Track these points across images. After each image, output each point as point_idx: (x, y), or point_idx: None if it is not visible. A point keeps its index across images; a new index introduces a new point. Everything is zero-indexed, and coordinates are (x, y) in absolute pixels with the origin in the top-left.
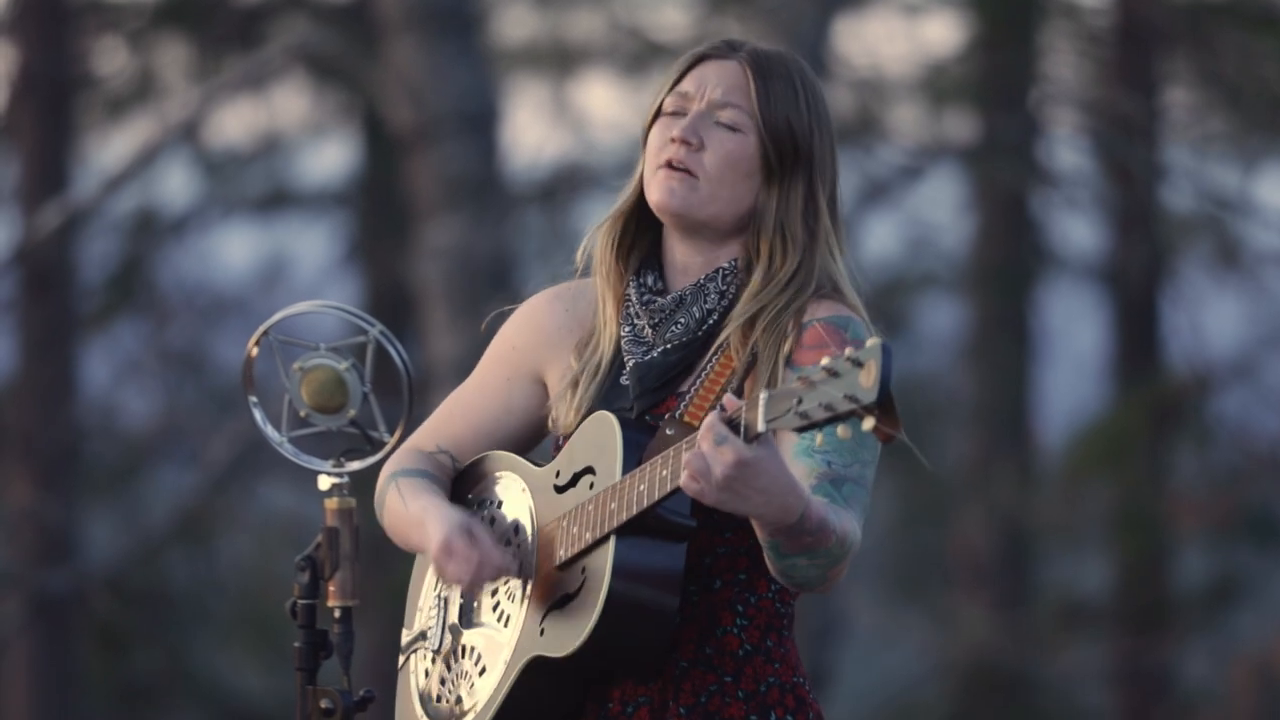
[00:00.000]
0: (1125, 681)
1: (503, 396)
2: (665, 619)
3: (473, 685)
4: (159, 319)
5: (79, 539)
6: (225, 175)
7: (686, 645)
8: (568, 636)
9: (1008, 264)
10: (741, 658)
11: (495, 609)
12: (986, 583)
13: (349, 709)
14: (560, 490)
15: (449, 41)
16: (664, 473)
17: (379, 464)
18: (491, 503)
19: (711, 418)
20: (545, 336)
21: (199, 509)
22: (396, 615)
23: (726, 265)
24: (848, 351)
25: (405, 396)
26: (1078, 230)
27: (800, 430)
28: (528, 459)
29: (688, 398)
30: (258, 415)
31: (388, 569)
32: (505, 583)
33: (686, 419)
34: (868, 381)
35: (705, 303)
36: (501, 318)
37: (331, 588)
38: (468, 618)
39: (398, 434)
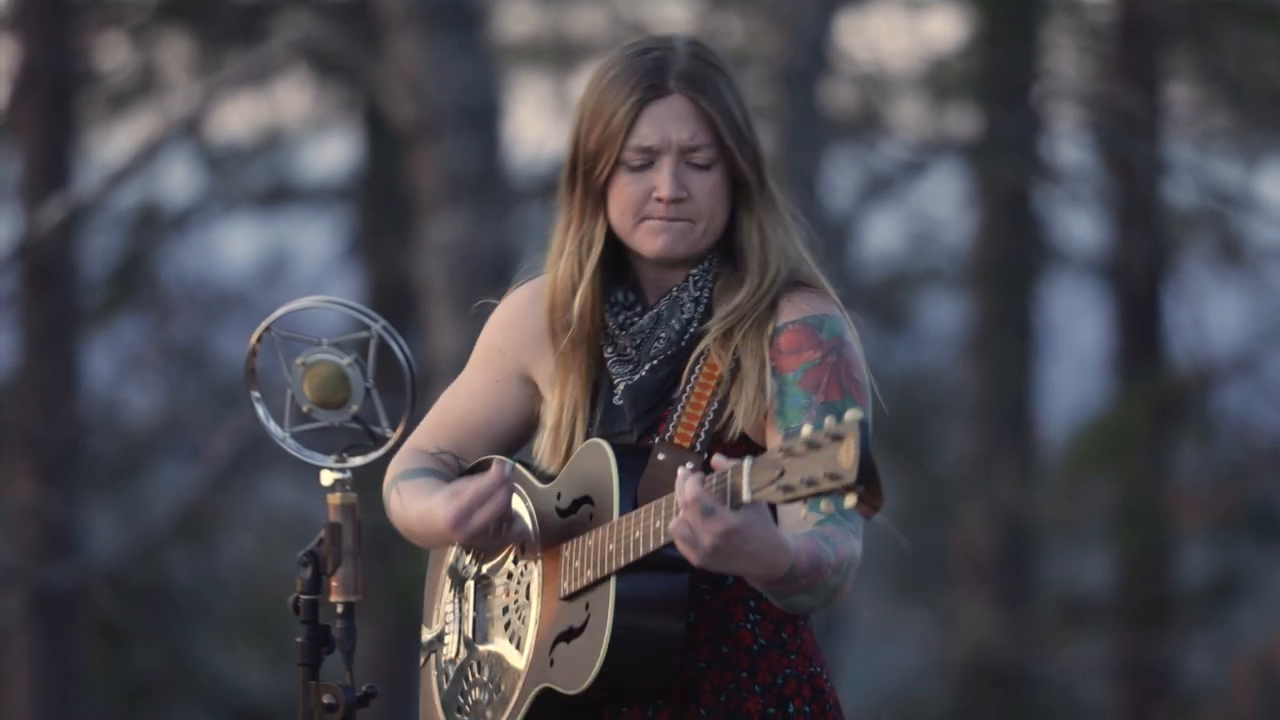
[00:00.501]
0: (1127, 677)
1: (494, 398)
2: (672, 646)
3: (489, 704)
4: (161, 314)
5: (81, 534)
6: (227, 170)
7: (703, 646)
8: (577, 674)
9: (1010, 259)
10: (757, 652)
11: (507, 628)
12: (988, 578)
13: (351, 704)
14: (562, 514)
15: (451, 36)
16: (657, 524)
17: (382, 459)
18: None
19: (696, 489)
20: (528, 336)
21: (201, 504)
22: (399, 611)
23: (696, 271)
24: (827, 423)
25: (408, 392)
26: (1080, 225)
27: (786, 502)
28: (529, 465)
29: (676, 415)
30: (260, 410)
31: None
32: (515, 601)
33: (677, 440)
34: (847, 460)
35: (682, 313)
36: (488, 309)
37: (334, 583)
38: (481, 633)
39: (400, 429)
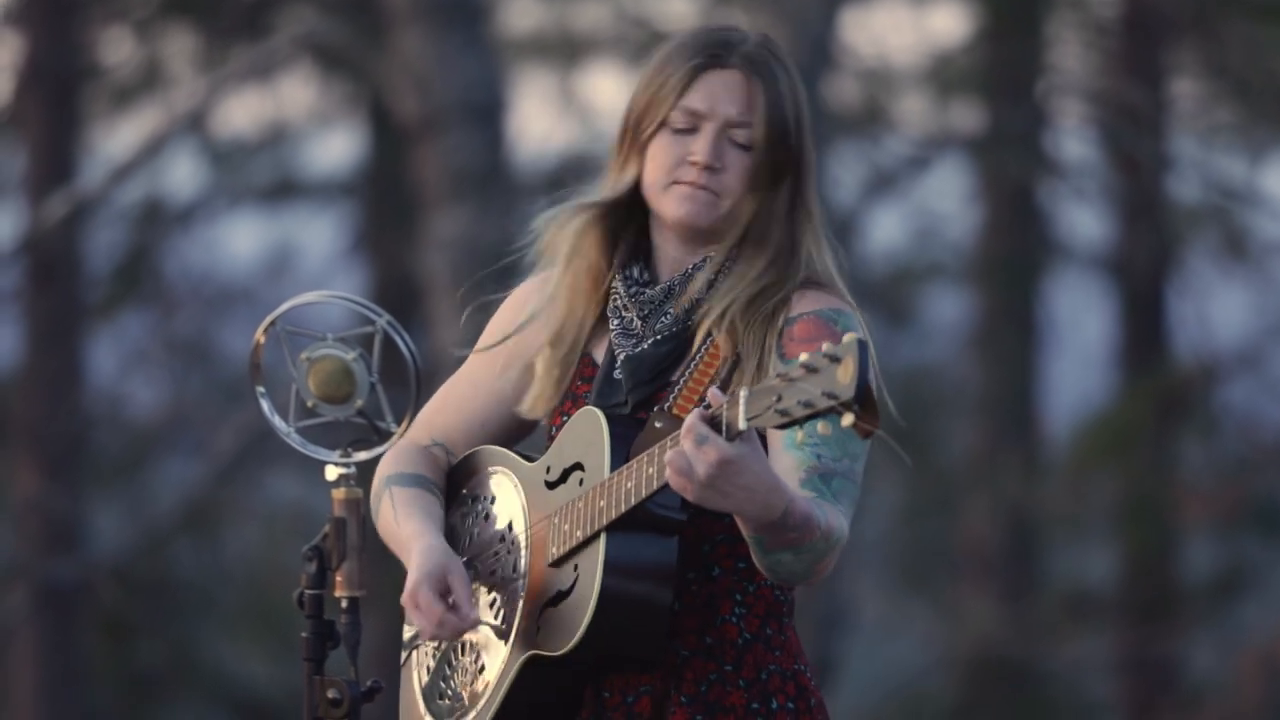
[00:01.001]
0: (1131, 672)
1: (495, 387)
2: (660, 613)
3: (473, 682)
4: (165, 309)
5: (85, 529)
6: (232, 165)
7: (687, 635)
8: (563, 635)
9: (1014, 254)
10: (741, 646)
11: (493, 605)
12: (992, 573)
13: (356, 699)
14: (551, 486)
15: (456, 32)
16: (650, 470)
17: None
18: (485, 499)
19: (693, 417)
20: (534, 326)
21: (205, 499)
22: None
23: (714, 253)
24: (825, 347)
25: (412, 387)
26: (1084, 221)
27: (781, 427)
28: (520, 453)
29: (677, 389)
30: (265, 405)
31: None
32: (502, 580)
33: (675, 411)
34: (845, 377)
35: (693, 293)
36: (487, 305)
37: (339, 578)
38: None
39: (404, 424)
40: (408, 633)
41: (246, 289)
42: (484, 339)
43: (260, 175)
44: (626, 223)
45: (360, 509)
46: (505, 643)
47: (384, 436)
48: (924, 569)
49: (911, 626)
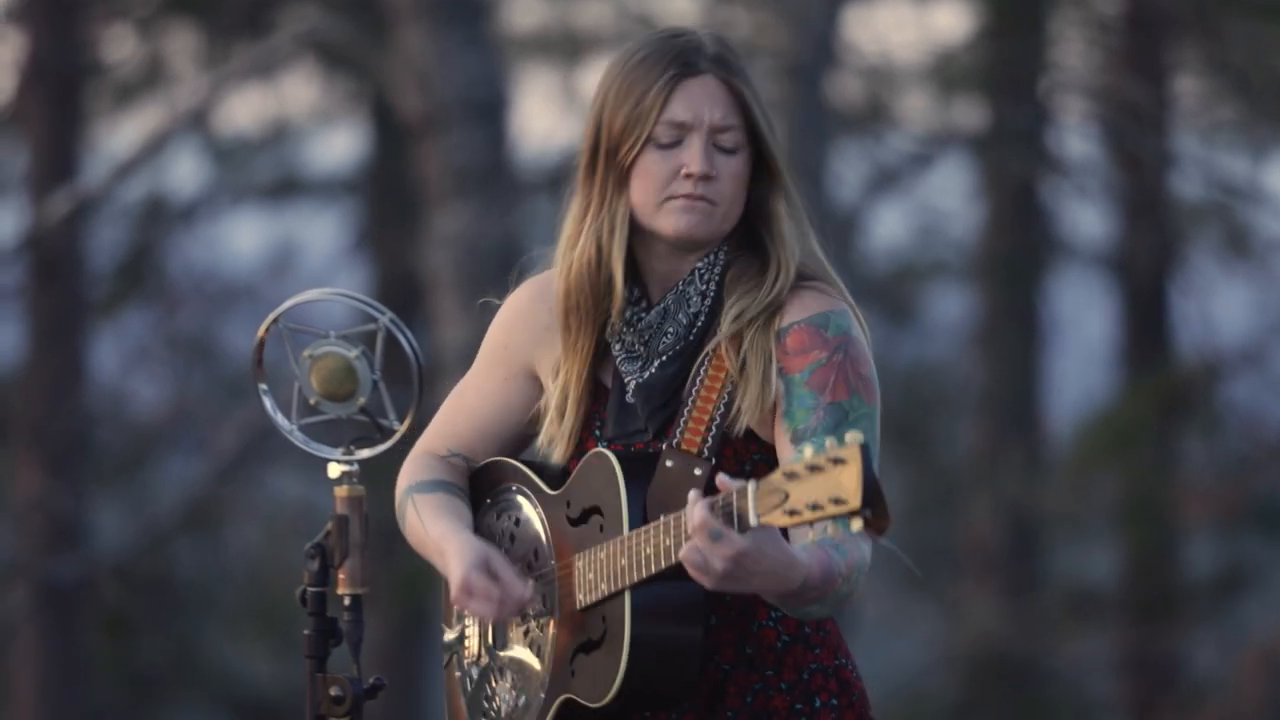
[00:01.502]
0: (1133, 671)
1: (501, 396)
2: (692, 652)
3: (512, 712)
4: (168, 307)
5: (87, 527)
6: (234, 163)
7: (726, 648)
8: (598, 687)
9: (1017, 252)
10: (781, 649)
11: (526, 635)
12: (994, 572)
13: (359, 697)
14: (573, 523)
15: (458, 29)
16: (667, 542)
17: (389, 452)
18: (510, 516)
19: (703, 514)
20: (533, 334)
21: (207, 497)
22: (407, 603)
23: (701, 264)
24: (828, 446)
25: (415, 384)
26: (1087, 218)
27: (793, 526)
28: (537, 469)
29: (684, 419)
30: (267, 403)
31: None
32: (534, 610)
33: (684, 445)
34: (851, 485)
35: (689, 307)
36: (491, 307)
37: (341, 575)
38: (501, 639)
39: (407, 422)
40: (448, 635)
41: (249, 287)
42: (484, 351)
43: (262, 173)
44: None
45: (363, 506)
46: (540, 677)
47: (387, 434)
48: (926, 567)
49: (914, 625)
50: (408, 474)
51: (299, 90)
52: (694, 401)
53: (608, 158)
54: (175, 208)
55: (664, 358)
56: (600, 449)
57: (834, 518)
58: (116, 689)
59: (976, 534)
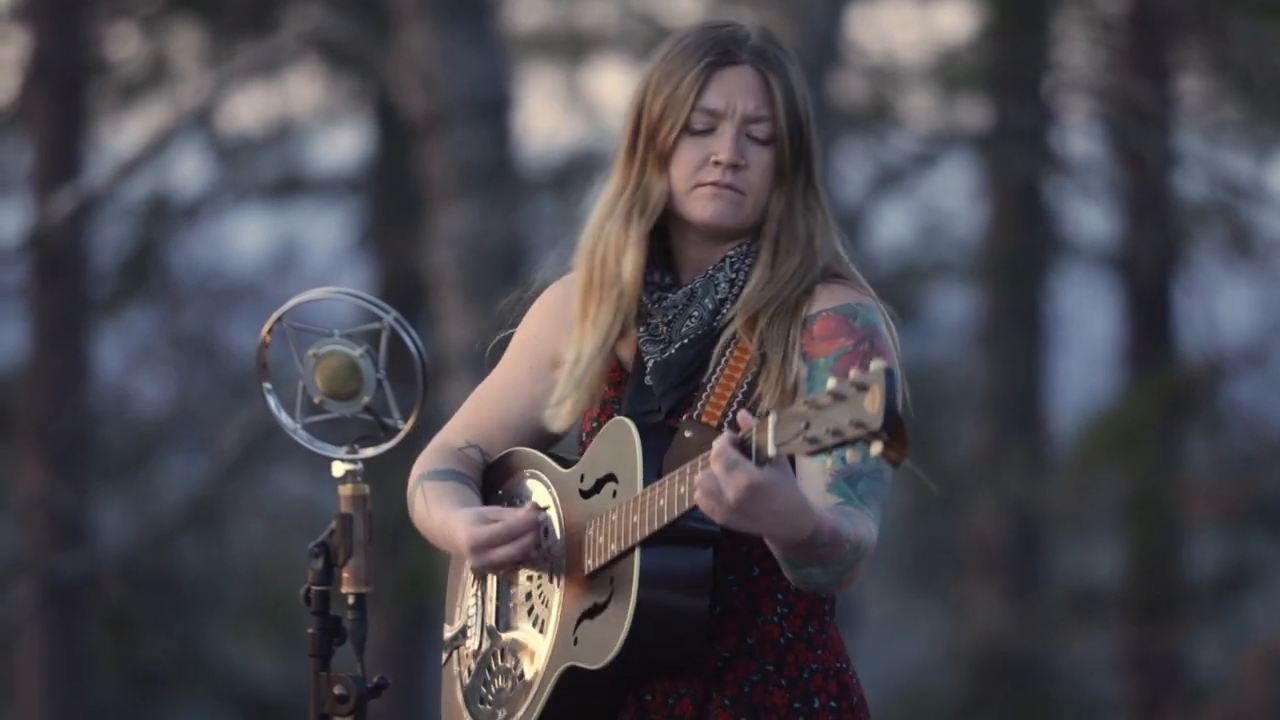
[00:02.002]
0: (1136, 670)
1: (527, 387)
2: (697, 622)
3: (513, 688)
4: (172, 305)
5: (91, 525)
6: (238, 161)
7: (728, 636)
8: (601, 648)
9: (1020, 251)
10: (783, 646)
11: (530, 613)
12: (997, 571)
13: (363, 695)
14: (585, 495)
15: (462, 28)
16: (682, 489)
17: (393, 451)
18: (520, 501)
19: (722, 441)
20: (564, 325)
21: (211, 495)
22: (410, 602)
23: (733, 253)
24: (853, 374)
25: (419, 383)
26: (1090, 217)
27: (810, 454)
28: (555, 455)
29: (705, 394)
30: (272, 401)
31: (401, 555)
32: (538, 586)
33: (704, 419)
34: (873, 407)
35: (716, 293)
36: (511, 312)
37: (345, 574)
38: (504, 620)
39: (411, 421)
40: (448, 632)
41: (253, 285)
42: (514, 343)
43: (266, 171)
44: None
45: (367, 505)
46: (543, 651)
47: (391, 433)
48: (930, 566)
49: (917, 624)
50: (422, 464)
51: (303, 89)
52: (716, 379)
53: (647, 141)
54: (179, 206)
55: (685, 340)
56: (619, 417)
57: (854, 441)
58: (120, 687)
59: (980, 533)
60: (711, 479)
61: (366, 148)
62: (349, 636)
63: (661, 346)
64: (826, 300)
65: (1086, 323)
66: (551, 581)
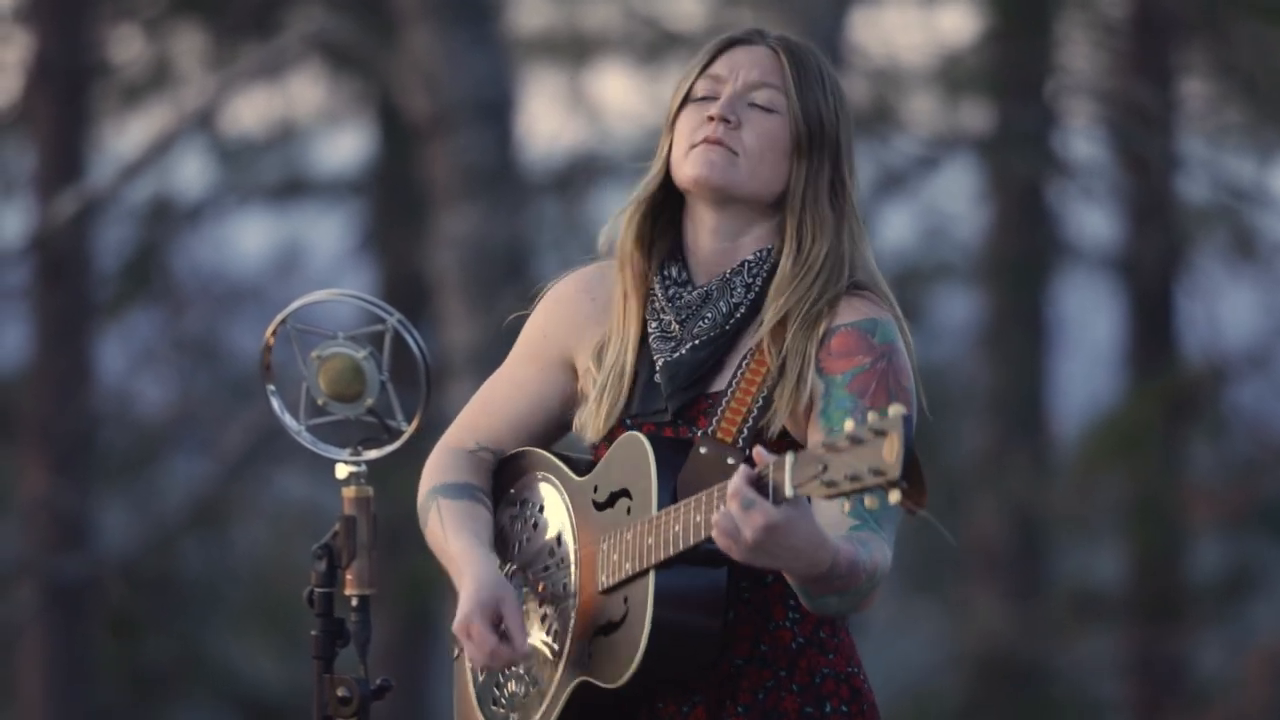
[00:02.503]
0: (1139, 672)
1: (536, 385)
2: (711, 641)
3: (525, 695)
4: (174, 307)
5: (94, 526)
6: (241, 163)
7: (741, 643)
8: (615, 667)
9: (1023, 254)
10: (795, 651)
11: (544, 620)
12: (1000, 573)
13: (366, 698)
14: (599, 507)
15: (465, 30)
16: (698, 518)
17: (397, 453)
18: (533, 505)
19: (739, 479)
20: (574, 324)
21: (214, 497)
22: (413, 604)
23: (751, 257)
24: (870, 419)
25: (423, 385)
26: (1093, 221)
27: (828, 498)
28: (564, 456)
29: (721, 409)
30: (275, 403)
31: (404, 557)
32: (552, 595)
33: (719, 434)
34: (890, 455)
35: (732, 296)
36: (522, 317)
37: (349, 576)
38: None
39: (415, 423)
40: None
41: (255, 287)
42: (522, 340)
43: (269, 173)
44: (669, 222)
45: (370, 507)
46: (557, 662)
47: (394, 435)
48: (932, 568)
49: (919, 626)
50: (434, 471)
51: (306, 91)
52: (733, 394)
53: (667, 124)
54: (182, 208)
55: (696, 341)
56: (633, 432)
57: (872, 489)
58: (122, 688)
59: (983, 535)
60: (729, 519)
61: (369, 150)
62: (352, 639)
63: (672, 344)
64: (847, 314)
65: (1089, 325)
66: (565, 592)
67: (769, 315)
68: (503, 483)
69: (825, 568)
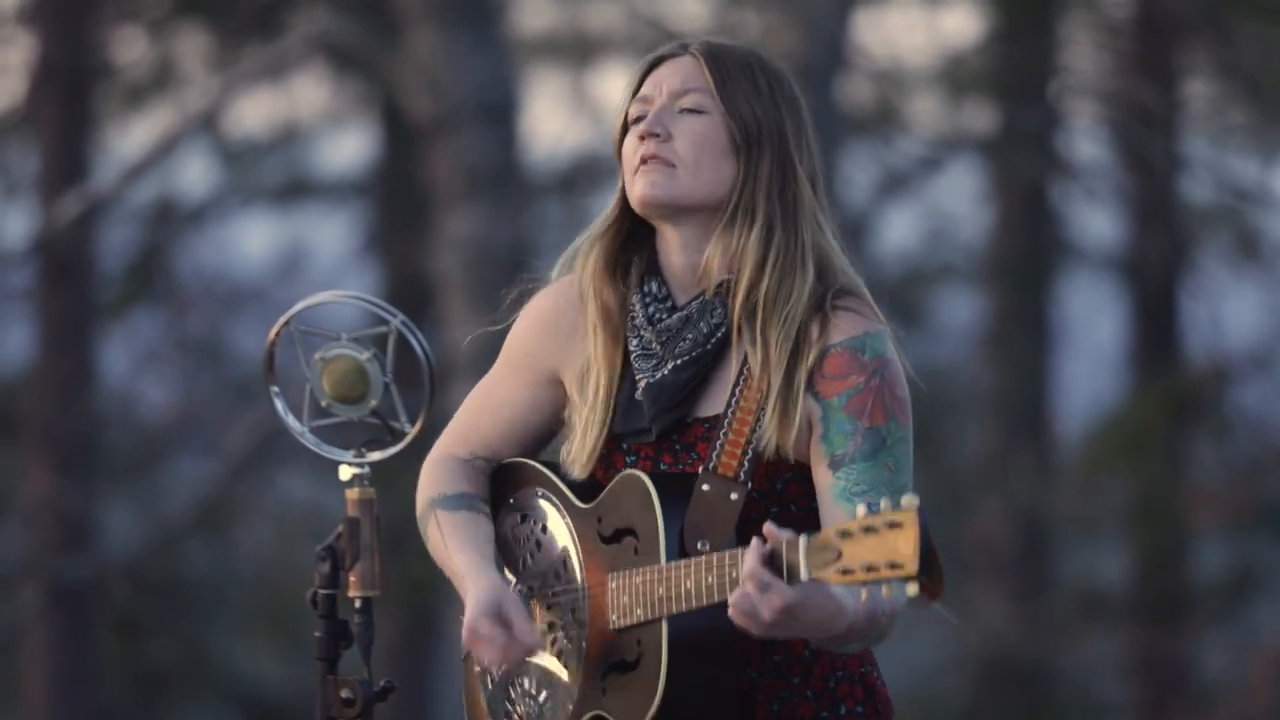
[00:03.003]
0: (1143, 673)
1: (528, 402)
2: (728, 680)
3: (539, 718)
4: (178, 308)
5: (97, 528)
6: (244, 165)
7: (754, 657)
8: (632, 710)
9: (1027, 255)
10: (809, 658)
11: (554, 644)
12: (1004, 574)
13: (369, 699)
14: (605, 540)
15: (468, 31)
16: (709, 580)
17: (400, 454)
18: (534, 521)
19: (754, 562)
20: (556, 339)
21: (217, 498)
22: (416, 606)
23: (730, 276)
24: (884, 509)
25: (426, 387)
26: (1097, 221)
27: (845, 584)
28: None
29: (720, 440)
30: (279, 405)
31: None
32: (561, 619)
33: (721, 469)
34: (907, 549)
35: (712, 317)
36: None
37: (352, 578)
38: None
39: (419, 424)
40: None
41: (259, 289)
42: (508, 355)
43: (272, 175)
44: (639, 246)
45: (374, 509)
46: (570, 691)
47: (398, 437)
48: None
49: (924, 627)
50: (431, 481)
51: (309, 92)
52: (730, 424)
53: (616, 157)
54: (185, 210)
55: (679, 361)
56: (634, 471)
57: (888, 580)
58: (126, 689)
59: (986, 536)
60: (746, 600)
61: (373, 151)
62: (356, 640)
63: (654, 364)
64: (837, 333)
65: (1093, 326)
66: (574, 618)
67: (737, 316)
68: (501, 491)
69: (843, 630)
